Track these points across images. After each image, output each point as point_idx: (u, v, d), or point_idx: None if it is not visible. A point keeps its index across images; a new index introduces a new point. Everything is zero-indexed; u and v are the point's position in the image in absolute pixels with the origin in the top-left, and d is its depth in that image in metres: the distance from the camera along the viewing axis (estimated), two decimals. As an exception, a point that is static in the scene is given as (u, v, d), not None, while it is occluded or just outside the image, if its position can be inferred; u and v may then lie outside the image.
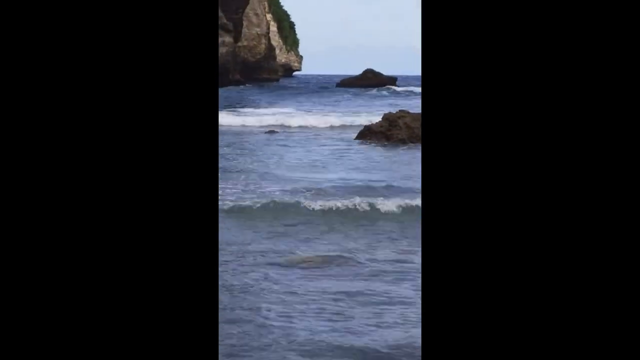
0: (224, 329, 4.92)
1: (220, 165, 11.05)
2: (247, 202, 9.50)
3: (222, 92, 46.11)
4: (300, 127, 24.39)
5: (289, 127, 24.41)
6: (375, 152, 16.70)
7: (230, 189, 10.75)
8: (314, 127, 24.21)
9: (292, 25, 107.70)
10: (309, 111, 30.46)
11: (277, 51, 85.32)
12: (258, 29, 71.95)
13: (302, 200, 9.58)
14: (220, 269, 5.93)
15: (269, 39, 74.00)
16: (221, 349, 4.40)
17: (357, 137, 18.98)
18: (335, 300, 5.83)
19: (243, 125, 24.86)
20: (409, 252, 7.27)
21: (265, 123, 25.00)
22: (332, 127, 24.10)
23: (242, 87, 56.06)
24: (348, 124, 24.47)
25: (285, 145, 18.31)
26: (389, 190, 10.76)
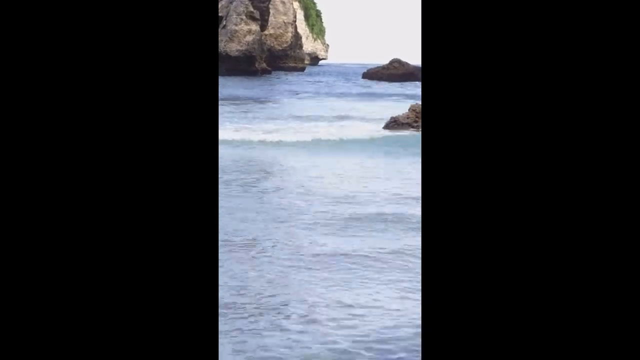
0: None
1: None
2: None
3: (246, 83, 46.10)
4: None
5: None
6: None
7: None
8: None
9: (318, 14, 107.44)
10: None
11: (304, 39, 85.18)
12: (285, 17, 71.84)
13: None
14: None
15: (295, 27, 73.86)
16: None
17: (384, 128, 19.00)
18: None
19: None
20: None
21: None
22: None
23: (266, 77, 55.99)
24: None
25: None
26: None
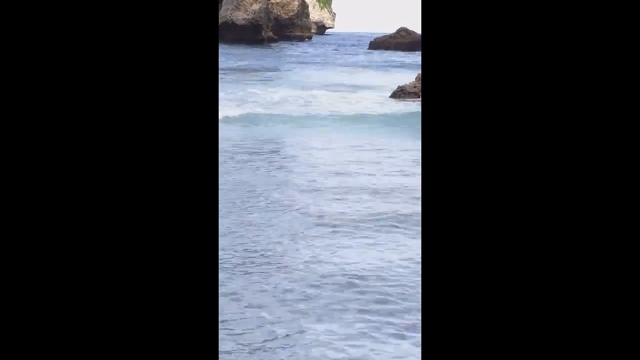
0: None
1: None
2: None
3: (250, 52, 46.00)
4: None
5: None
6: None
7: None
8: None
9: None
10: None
11: (310, 8, 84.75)
12: (291, -14, 71.44)
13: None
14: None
15: (302, -4, 73.50)
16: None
17: (391, 96, 18.93)
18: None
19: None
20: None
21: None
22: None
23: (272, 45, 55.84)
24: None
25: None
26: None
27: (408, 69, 30.70)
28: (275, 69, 32.62)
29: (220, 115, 13.71)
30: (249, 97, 19.55)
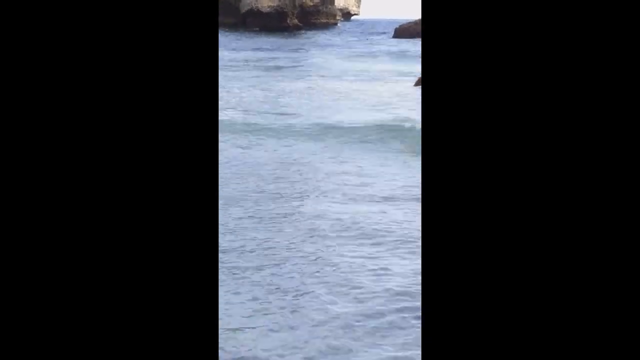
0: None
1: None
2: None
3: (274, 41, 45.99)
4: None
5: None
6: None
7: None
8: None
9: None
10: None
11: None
12: (316, -27, 71.27)
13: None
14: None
15: (327, -17, 73.28)
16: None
17: (415, 85, 18.88)
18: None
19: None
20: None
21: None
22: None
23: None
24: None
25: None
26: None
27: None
28: (299, 58, 32.54)
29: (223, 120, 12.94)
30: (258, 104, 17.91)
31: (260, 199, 8.14)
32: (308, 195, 8.42)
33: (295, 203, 8.05)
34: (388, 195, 8.37)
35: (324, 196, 8.37)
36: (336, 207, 7.84)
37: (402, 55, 35.15)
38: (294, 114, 15.19)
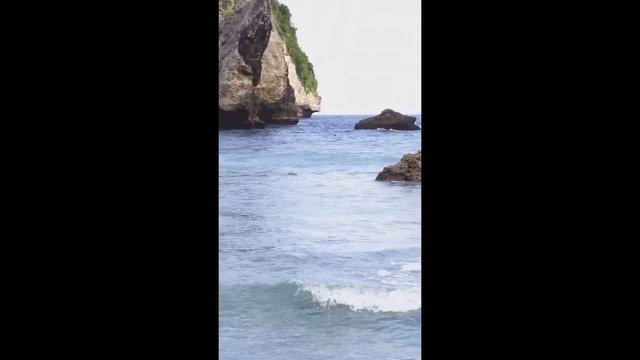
0: None
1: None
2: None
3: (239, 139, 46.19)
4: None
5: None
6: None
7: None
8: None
9: (310, 67, 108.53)
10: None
11: (296, 92, 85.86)
12: (277, 71, 72.46)
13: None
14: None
15: (287, 81, 74.49)
16: None
17: (377, 179, 18.96)
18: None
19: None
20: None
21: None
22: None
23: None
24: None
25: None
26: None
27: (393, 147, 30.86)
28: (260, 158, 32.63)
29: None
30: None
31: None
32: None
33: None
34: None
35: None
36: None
37: (366, 146, 35.41)
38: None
